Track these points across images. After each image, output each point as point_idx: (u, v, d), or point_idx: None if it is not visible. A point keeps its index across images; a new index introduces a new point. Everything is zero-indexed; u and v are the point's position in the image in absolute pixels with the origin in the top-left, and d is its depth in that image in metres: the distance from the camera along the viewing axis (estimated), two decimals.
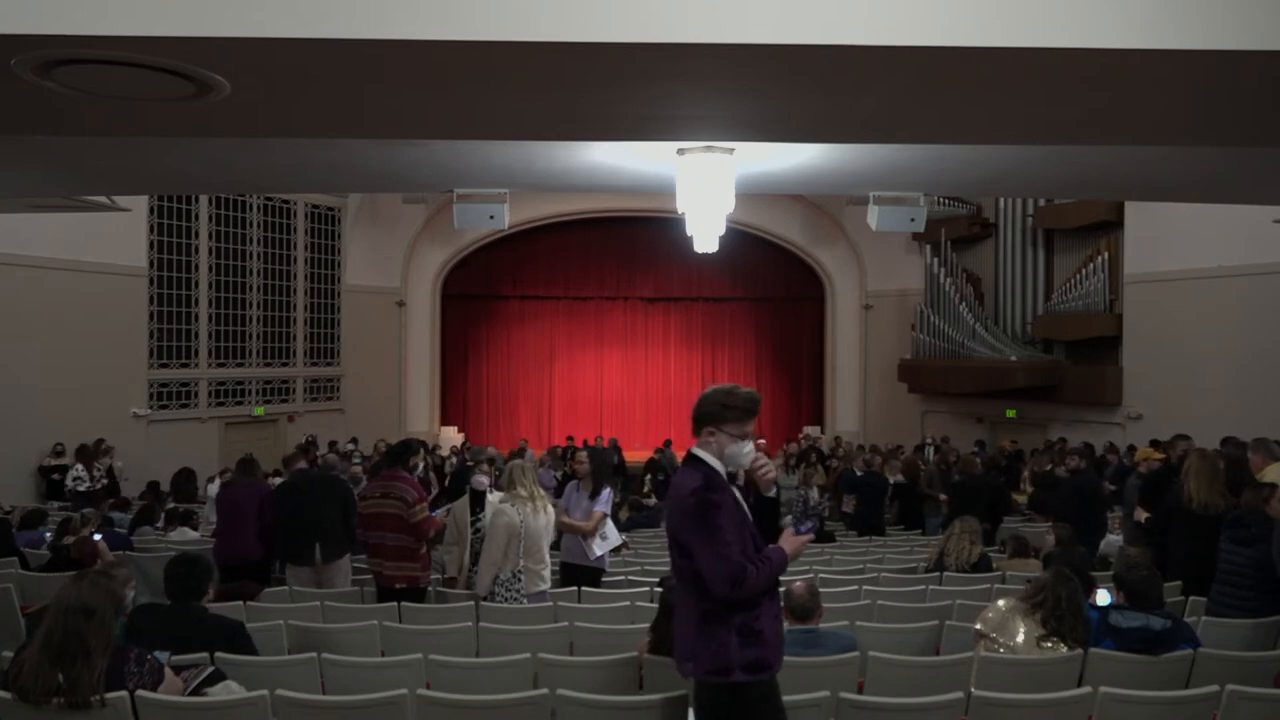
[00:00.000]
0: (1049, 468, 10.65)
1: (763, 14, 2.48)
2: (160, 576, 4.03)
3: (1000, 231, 16.52)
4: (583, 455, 6.44)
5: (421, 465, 6.58)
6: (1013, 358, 15.45)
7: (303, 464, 7.67)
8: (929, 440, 15.74)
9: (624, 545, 7.19)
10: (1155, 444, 10.03)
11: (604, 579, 6.29)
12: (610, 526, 6.24)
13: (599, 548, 6.12)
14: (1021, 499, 10.74)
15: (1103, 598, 4.22)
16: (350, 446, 14.97)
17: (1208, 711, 3.43)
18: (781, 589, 3.45)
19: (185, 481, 11.79)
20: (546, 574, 5.57)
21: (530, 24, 2.48)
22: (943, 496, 10.14)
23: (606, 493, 6.25)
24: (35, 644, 3.04)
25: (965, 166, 5.39)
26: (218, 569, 6.37)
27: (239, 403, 15.72)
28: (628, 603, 5.28)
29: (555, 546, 6.12)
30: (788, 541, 3.08)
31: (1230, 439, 7.65)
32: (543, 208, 18.62)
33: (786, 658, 3.80)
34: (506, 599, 5.35)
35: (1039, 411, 15.65)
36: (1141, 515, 6.43)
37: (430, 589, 5.97)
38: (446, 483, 13.20)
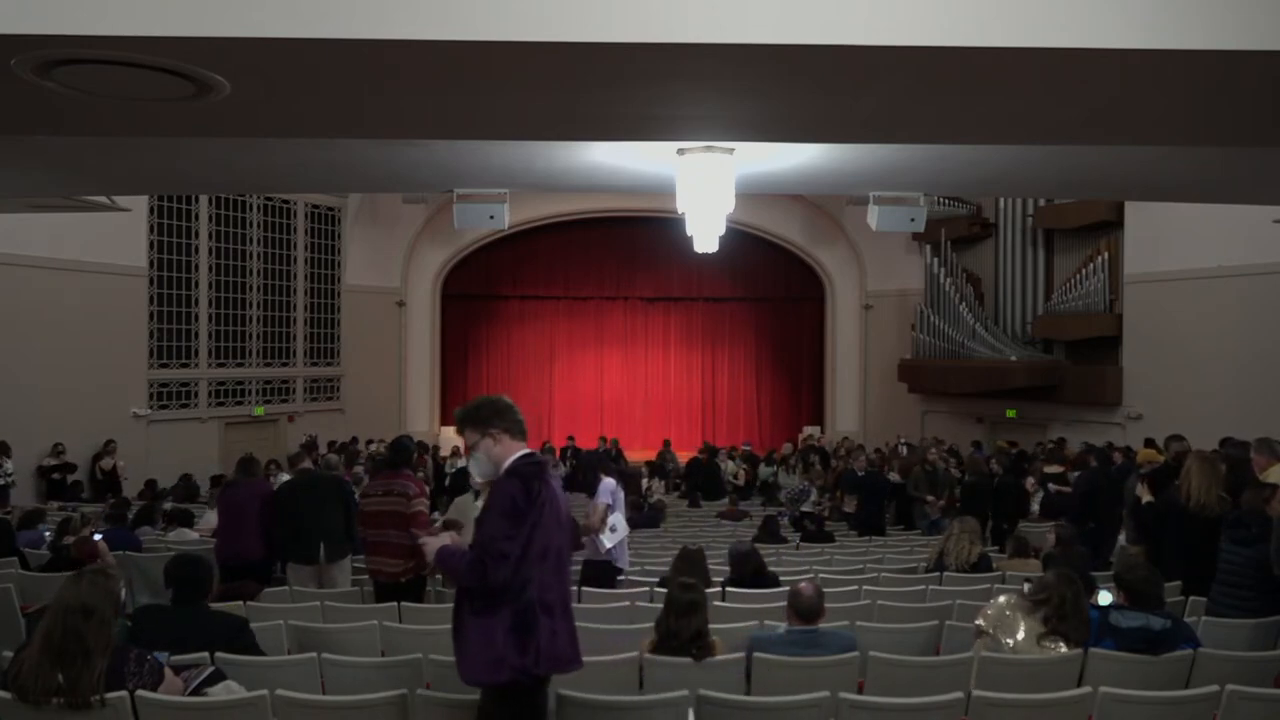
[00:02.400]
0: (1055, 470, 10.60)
1: (763, 14, 2.48)
2: (161, 576, 4.03)
3: (1000, 231, 16.52)
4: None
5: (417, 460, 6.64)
6: (1013, 358, 15.44)
7: (307, 463, 7.68)
8: (902, 440, 15.83)
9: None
10: (1150, 443, 10.02)
11: (620, 578, 6.28)
12: (617, 518, 6.23)
13: (608, 540, 6.12)
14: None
15: (1104, 598, 4.21)
16: (369, 446, 14.82)
17: (1208, 711, 3.43)
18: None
19: (184, 485, 11.81)
20: None
21: (530, 24, 2.48)
22: (929, 498, 10.15)
23: (605, 484, 6.24)
24: (35, 644, 3.04)
25: (965, 166, 5.39)
26: (219, 569, 6.40)
27: (239, 403, 15.72)
28: (628, 603, 5.28)
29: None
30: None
31: (1229, 439, 7.64)
32: (543, 208, 18.62)
33: (788, 658, 3.84)
34: None
35: (1039, 411, 15.65)
36: (1145, 494, 6.33)
37: (431, 588, 5.99)
38: (447, 482, 13.21)
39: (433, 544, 3.12)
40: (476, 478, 3.25)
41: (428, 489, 11.29)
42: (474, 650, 2.98)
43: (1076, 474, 9.24)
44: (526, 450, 3.16)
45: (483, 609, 2.97)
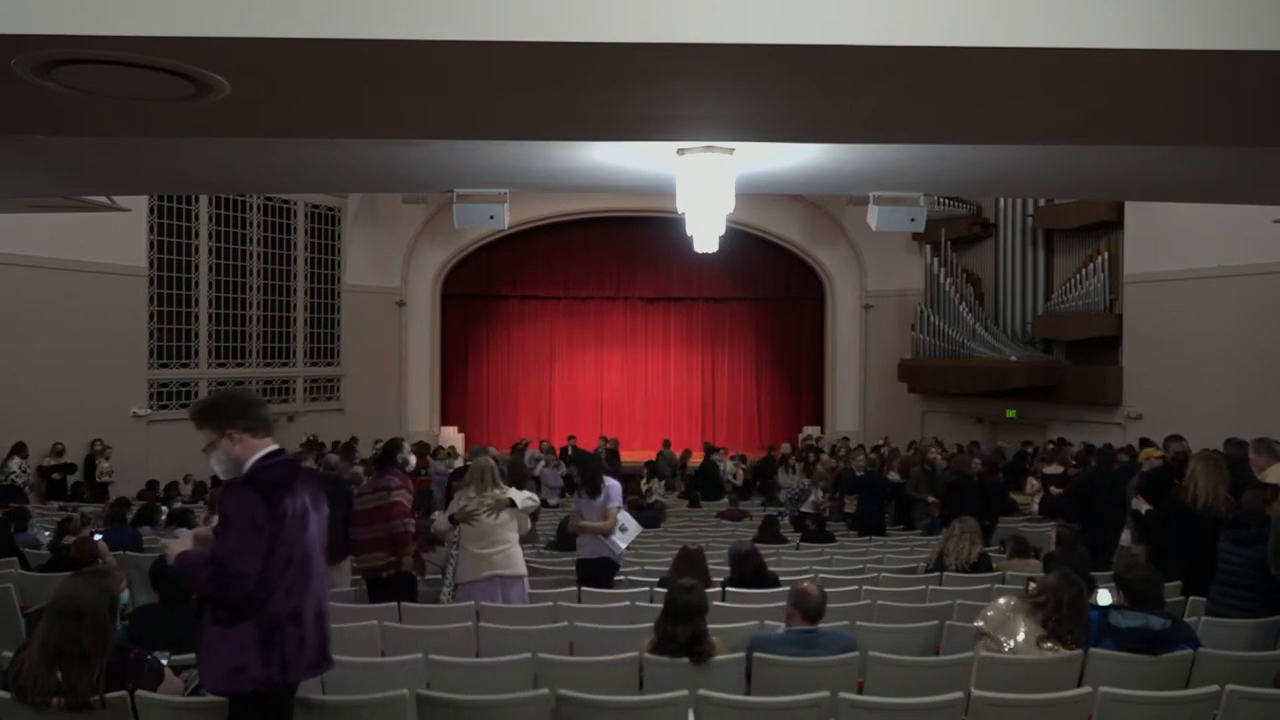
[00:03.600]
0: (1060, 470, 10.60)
1: (763, 14, 2.48)
2: None
3: (1000, 231, 16.52)
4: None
5: (414, 461, 6.75)
6: (1013, 358, 15.44)
7: (309, 463, 7.68)
8: (883, 442, 15.87)
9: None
10: (1145, 443, 10.03)
11: (618, 575, 6.30)
12: (626, 518, 6.26)
13: (621, 541, 6.14)
14: (1026, 500, 10.72)
15: (1103, 598, 4.21)
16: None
17: (1208, 711, 3.43)
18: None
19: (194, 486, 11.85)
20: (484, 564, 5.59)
21: (530, 24, 2.48)
22: (930, 499, 10.15)
23: (612, 487, 6.24)
24: (34, 645, 3.05)
25: (965, 166, 5.39)
26: None
27: None
28: (628, 603, 5.28)
29: (571, 546, 6.03)
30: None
31: (1233, 440, 7.62)
32: (543, 208, 18.61)
33: (788, 658, 3.84)
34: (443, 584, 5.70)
35: (1039, 411, 15.64)
36: (1142, 506, 6.40)
37: (423, 587, 6.03)
38: (450, 483, 13.20)
39: (174, 548, 2.95)
40: (221, 477, 3.10)
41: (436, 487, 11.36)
42: (216, 658, 2.88)
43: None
44: (270, 449, 3.01)
45: (225, 619, 2.86)
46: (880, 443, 15.76)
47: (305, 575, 2.95)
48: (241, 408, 3.02)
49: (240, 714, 2.92)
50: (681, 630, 3.79)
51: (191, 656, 3.63)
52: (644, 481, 13.52)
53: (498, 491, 5.64)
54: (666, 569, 5.85)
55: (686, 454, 16.19)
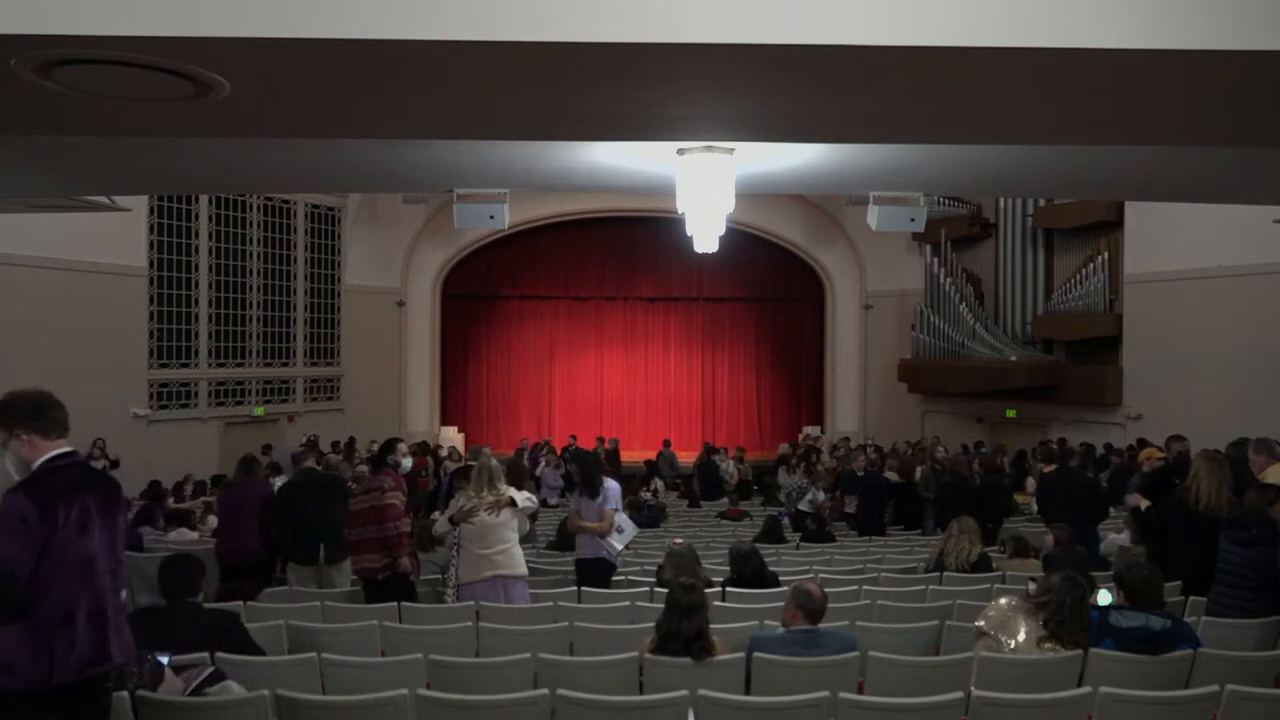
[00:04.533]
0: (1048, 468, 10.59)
1: (762, 14, 2.48)
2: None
3: (1000, 231, 16.52)
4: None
5: (407, 464, 6.76)
6: (1013, 358, 15.44)
7: (311, 462, 7.69)
8: (868, 440, 15.80)
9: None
10: (1143, 443, 10.02)
11: (615, 576, 6.31)
12: (623, 519, 6.27)
13: (618, 542, 6.16)
14: (1026, 500, 10.72)
15: (1104, 598, 4.21)
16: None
17: (1208, 711, 3.43)
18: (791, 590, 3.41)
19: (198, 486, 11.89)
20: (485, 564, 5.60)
21: (531, 24, 2.48)
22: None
23: (611, 488, 6.25)
24: None
25: (965, 166, 5.39)
26: (219, 568, 6.42)
27: (239, 403, 15.71)
28: (628, 603, 5.28)
29: (570, 546, 6.06)
30: None
31: (1244, 440, 7.60)
32: (543, 208, 18.62)
33: (788, 658, 3.84)
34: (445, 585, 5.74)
35: (1039, 411, 15.64)
36: (1141, 503, 6.39)
37: (424, 588, 6.02)
38: (452, 482, 13.22)
39: None
40: (15, 477, 3.03)
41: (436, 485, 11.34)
42: None
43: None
44: (59, 451, 2.98)
45: None
46: (865, 441, 15.72)
47: (84, 578, 2.90)
48: (33, 409, 2.98)
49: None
50: (686, 626, 3.80)
51: (192, 656, 3.63)
52: (645, 489, 13.44)
53: (499, 491, 5.65)
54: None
55: (704, 453, 15.92)
